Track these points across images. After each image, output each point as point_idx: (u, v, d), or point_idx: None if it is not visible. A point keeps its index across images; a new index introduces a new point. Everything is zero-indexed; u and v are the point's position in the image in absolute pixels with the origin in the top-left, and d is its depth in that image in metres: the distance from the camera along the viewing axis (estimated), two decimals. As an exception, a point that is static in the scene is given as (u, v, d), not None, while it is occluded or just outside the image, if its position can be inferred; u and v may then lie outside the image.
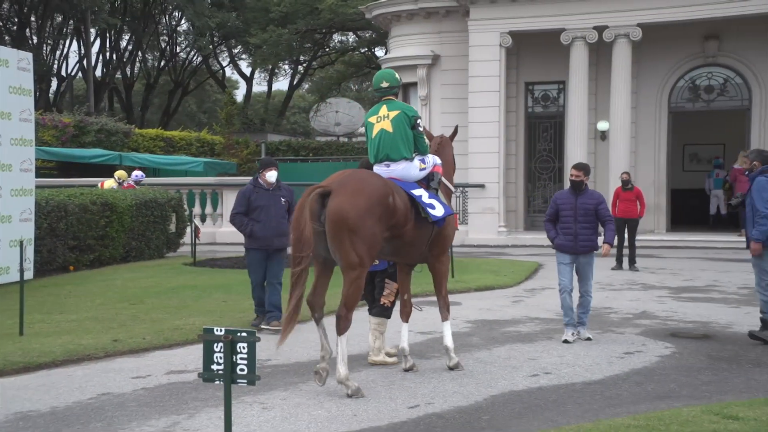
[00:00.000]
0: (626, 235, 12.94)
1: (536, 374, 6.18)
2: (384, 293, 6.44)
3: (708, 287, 10.89)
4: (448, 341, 6.31)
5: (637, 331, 7.86)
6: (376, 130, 6.08)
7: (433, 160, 6.29)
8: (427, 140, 6.36)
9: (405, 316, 6.37)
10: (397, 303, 6.56)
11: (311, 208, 5.52)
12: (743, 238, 9.39)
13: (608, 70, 17.85)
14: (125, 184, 15.82)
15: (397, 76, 6.29)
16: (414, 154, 6.13)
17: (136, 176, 16.74)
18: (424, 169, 6.16)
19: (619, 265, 12.98)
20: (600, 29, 17.46)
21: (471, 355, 6.86)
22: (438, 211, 5.93)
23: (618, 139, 17.61)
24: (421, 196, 5.93)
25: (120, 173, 16.25)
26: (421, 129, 6.15)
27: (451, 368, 6.30)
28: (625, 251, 12.99)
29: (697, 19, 17.05)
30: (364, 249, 5.53)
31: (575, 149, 17.72)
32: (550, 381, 5.99)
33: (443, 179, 6.40)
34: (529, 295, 10.29)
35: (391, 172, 6.02)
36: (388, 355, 6.60)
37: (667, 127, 18.85)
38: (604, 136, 18.61)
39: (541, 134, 19.77)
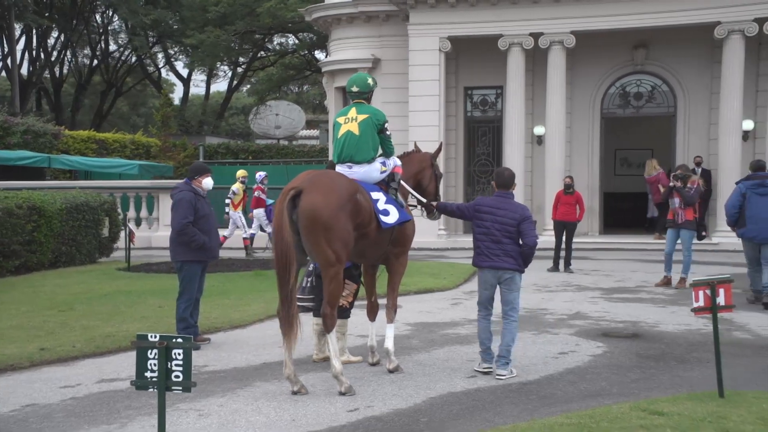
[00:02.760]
0: (564, 238, 13.23)
1: (474, 376, 6.25)
2: (343, 294, 6.45)
3: (638, 288, 11.22)
4: (390, 344, 6.36)
5: (571, 332, 8.03)
6: (342, 131, 6.20)
7: (393, 161, 6.42)
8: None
9: (372, 315, 6.60)
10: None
11: (287, 211, 5.63)
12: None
13: (544, 76, 18.24)
14: (255, 187, 15.58)
15: (368, 81, 6.40)
16: (378, 157, 6.28)
17: (260, 176, 15.94)
18: (384, 171, 6.30)
19: (555, 267, 13.26)
20: (536, 36, 17.83)
21: (411, 357, 6.89)
22: (391, 218, 6.07)
23: (553, 144, 18.01)
24: (378, 200, 6.07)
25: (242, 172, 16.01)
26: (388, 133, 6.30)
27: (390, 371, 6.34)
28: (562, 253, 13.27)
29: (626, 28, 17.60)
30: (339, 245, 5.66)
31: (513, 153, 18.04)
32: (488, 382, 6.06)
33: (402, 182, 6.52)
34: (467, 298, 10.39)
35: (353, 173, 6.14)
36: (316, 360, 6.71)
37: (600, 132, 19.37)
38: (540, 140, 19.00)
39: (480, 138, 20.04)
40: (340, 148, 6.19)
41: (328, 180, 5.80)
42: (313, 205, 5.60)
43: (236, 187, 15.71)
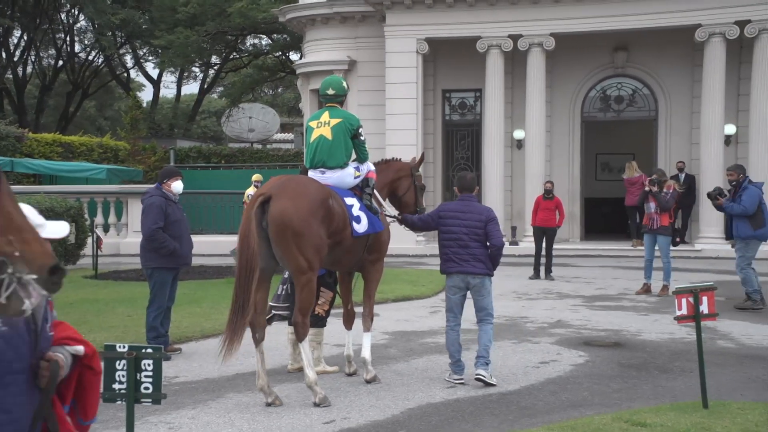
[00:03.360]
0: (544, 244, 13.08)
1: (453, 386, 6.13)
2: (318, 302, 6.35)
3: (619, 295, 11.15)
4: (367, 353, 6.24)
5: (552, 341, 7.92)
6: (314, 136, 6.06)
7: (367, 167, 6.29)
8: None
9: (348, 324, 6.47)
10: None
11: (256, 218, 5.47)
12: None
13: (523, 79, 18.11)
14: None
15: (344, 84, 6.29)
16: (351, 162, 6.14)
17: None
18: (358, 176, 6.17)
19: (536, 275, 13.10)
20: (515, 38, 17.73)
21: (388, 367, 6.76)
22: (361, 227, 5.93)
23: (533, 148, 17.89)
24: (352, 206, 5.93)
25: (257, 177, 16.01)
26: (362, 138, 6.17)
27: (368, 381, 6.21)
28: (543, 260, 13.11)
29: (606, 30, 17.56)
30: (311, 251, 5.52)
31: (492, 157, 17.95)
32: (467, 392, 5.94)
33: (376, 192, 6.36)
34: (446, 305, 10.26)
35: (326, 179, 6.00)
36: (294, 370, 6.56)
37: (581, 137, 19.27)
38: (520, 144, 18.89)
39: (458, 142, 19.93)
40: (312, 153, 6.05)
41: (298, 185, 5.67)
42: (283, 211, 5.46)
43: (252, 191, 15.64)
